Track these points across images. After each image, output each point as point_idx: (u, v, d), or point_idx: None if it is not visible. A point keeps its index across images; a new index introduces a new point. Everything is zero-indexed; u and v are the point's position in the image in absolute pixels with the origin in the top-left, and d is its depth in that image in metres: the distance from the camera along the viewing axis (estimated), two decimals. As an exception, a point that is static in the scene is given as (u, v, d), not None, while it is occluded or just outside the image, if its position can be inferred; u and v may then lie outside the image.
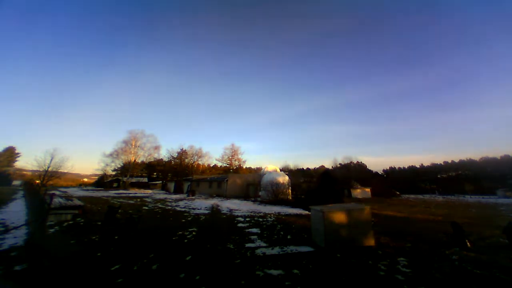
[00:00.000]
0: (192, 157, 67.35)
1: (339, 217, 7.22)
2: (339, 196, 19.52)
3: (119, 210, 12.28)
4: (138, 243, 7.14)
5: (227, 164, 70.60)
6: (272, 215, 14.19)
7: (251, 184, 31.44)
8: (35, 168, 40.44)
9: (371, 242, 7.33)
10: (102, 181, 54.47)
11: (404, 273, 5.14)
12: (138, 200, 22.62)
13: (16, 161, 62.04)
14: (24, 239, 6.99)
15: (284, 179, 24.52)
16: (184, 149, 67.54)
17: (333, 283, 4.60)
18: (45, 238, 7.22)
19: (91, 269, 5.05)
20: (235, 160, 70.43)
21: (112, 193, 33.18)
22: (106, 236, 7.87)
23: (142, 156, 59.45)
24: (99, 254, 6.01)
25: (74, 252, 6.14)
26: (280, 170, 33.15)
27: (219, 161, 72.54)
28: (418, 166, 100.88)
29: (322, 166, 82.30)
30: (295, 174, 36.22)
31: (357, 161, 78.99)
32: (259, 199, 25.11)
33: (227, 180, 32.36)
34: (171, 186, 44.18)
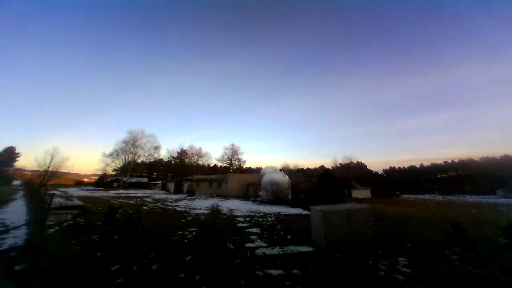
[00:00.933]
0: (192, 157, 67.41)
1: (339, 217, 7.22)
2: (339, 196, 19.52)
3: (119, 210, 12.29)
4: (138, 243, 7.15)
5: (227, 164, 70.66)
6: (272, 215, 14.19)
7: (251, 184, 31.44)
8: (35, 168, 40.50)
9: (371, 242, 7.33)
10: (102, 181, 54.45)
11: (404, 273, 5.14)
12: (138, 200, 22.63)
13: (16, 161, 62.08)
14: (24, 239, 7.00)
15: (284, 179, 24.50)
16: (184, 149, 67.60)
17: (333, 283, 4.60)
18: (45, 238, 7.21)
19: (91, 269, 5.06)
20: (235, 160, 70.52)
21: (112, 193, 33.20)
22: (106, 236, 7.88)
23: (142, 156, 59.62)
24: (99, 254, 6.02)
25: (74, 252, 6.15)
26: (280, 170, 33.15)
27: (219, 161, 72.66)
28: (418, 166, 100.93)
29: (322, 166, 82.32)
30: (295, 174, 36.21)
31: (357, 161, 78.97)
32: (259, 199, 25.10)
33: (227, 180, 32.37)
34: (171, 186, 44.18)
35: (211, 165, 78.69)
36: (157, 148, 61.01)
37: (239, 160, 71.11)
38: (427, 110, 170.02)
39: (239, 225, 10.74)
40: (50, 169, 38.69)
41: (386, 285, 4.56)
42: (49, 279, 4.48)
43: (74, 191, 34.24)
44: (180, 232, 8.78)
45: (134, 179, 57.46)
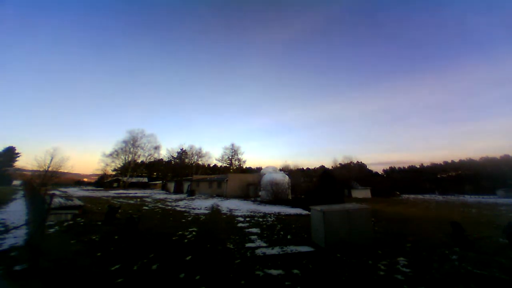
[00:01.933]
0: (192, 157, 67.43)
1: (339, 217, 7.21)
2: (339, 196, 19.52)
3: (119, 210, 12.29)
4: (138, 243, 7.15)
5: (227, 164, 70.64)
6: (272, 215, 14.19)
7: (251, 184, 31.43)
8: (35, 168, 40.52)
9: (371, 242, 7.33)
10: (102, 181, 54.44)
11: (404, 273, 5.14)
12: (138, 200, 22.62)
13: (16, 161, 62.06)
14: (24, 239, 7.00)
15: (284, 179, 24.49)
16: (184, 149, 67.65)
17: (333, 283, 4.60)
18: (45, 238, 7.22)
19: (91, 269, 5.06)
20: (235, 160, 70.49)
21: (112, 193, 33.19)
22: (106, 236, 7.88)
23: (142, 156, 59.59)
24: (99, 254, 6.02)
25: (74, 252, 6.15)
26: (280, 170, 33.15)
27: (219, 161, 72.62)
28: (418, 166, 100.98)
29: (322, 166, 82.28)
30: (295, 174, 36.18)
31: (357, 161, 78.98)
32: (259, 199, 25.09)
33: (227, 180, 32.36)
34: (171, 186, 44.16)
35: (211, 165, 78.69)
36: (157, 148, 61.04)
37: (239, 160, 71.11)
38: (427, 110, 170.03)
39: (239, 225, 10.74)
40: (50, 169, 38.70)
41: (386, 285, 4.56)
42: (49, 279, 4.48)
43: (74, 191, 34.23)
44: (180, 232, 8.78)
45: (134, 179, 57.39)
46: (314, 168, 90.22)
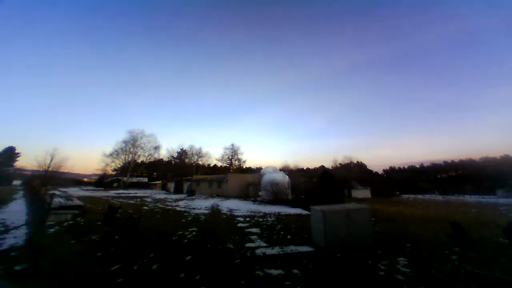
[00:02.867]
0: (192, 157, 67.43)
1: (339, 217, 7.22)
2: (339, 196, 19.52)
3: (119, 210, 12.29)
4: (138, 243, 7.15)
5: (227, 164, 70.63)
6: (272, 215, 14.20)
7: (251, 184, 31.43)
8: (35, 168, 40.56)
9: (371, 241, 7.33)
10: (102, 181, 54.49)
11: (404, 273, 5.14)
12: (138, 200, 22.63)
13: (16, 161, 62.09)
14: (24, 239, 7.00)
15: (284, 179, 24.49)
16: (184, 149, 67.64)
17: (333, 283, 4.61)
18: (45, 238, 7.23)
19: (91, 269, 5.06)
20: (235, 160, 70.48)
21: (112, 193, 33.20)
22: (106, 236, 7.88)
23: (142, 156, 59.62)
24: (99, 254, 6.02)
25: (74, 252, 6.15)
26: (280, 170, 33.15)
27: (219, 161, 72.62)
28: (418, 166, 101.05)
29: (322, 166, 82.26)
30: (295, 174, 36.20)
31: (357, 161, 78.94)
32: (259, 199, 25.09)
33: (227, 180, 32.37)
34: (171, 186, 44.18)
35: (211, 165, 78.71)
36: (157, 148, 61.07)
37: (239, 160, 71.10)
38: (427, 109, 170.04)
39: (239, 225, 10.74)
40: (50, 169, 38.72)
41: (386, 285, 4.57)
42: (49, 279, 4.48)
43: (74, 191, 34.24)
44: (180, 232, 8.78)
45: (134, 179, 57.41)
46: (314, 168, 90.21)
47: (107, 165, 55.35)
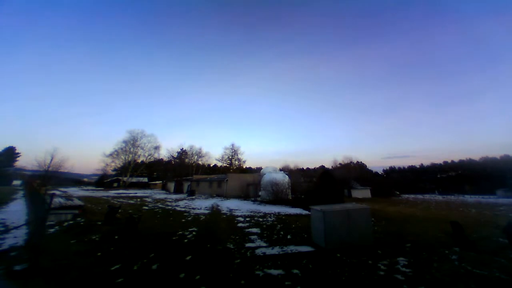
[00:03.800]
0: (192, 157, 67.36)
1: (339, 217, 7.22)
2: (339, 196, 19.51)
3: (119, 210, 12.29)
4: (138, 243, 7.15)
5: (227, 164, 70.54)
6: (272, 215, 14.20)
7: (251, 184, 31.40)
8: (35, 168, 40.54)
9: (371, 241, 7.33)
10: (102, 181, 54.40)
11: (404, 273, 5.14)
12: (138, 200, 22.62)
13: (16, 161, 62.04)
14: (24, 239, 7.00)
15: (284, 179, 24.47)
16: (184, 149, 67.56)
17: (333, 283, 4.61)
18: (45, 238, 7.23)
19: (92, 269, 5.06)
20: (235, 160, 70.39)
21: (112, 193, 33.18)
22: (106, 236, 7.88)
23: (142, 156, 59.55)
24: (99, 254, 6.02)
25: (75, 252, 6.15)
26: (280, 170, 33.13)
27: (219, 161, 72.50)
28: (418, 166, 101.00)
29: (322, 166, 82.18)
30: (295, 174, 36.15)
31: (357, 161, 78.92)
32: (259, 199, 25.08)
33: (227, 180, 32.35)
34: (171, 186, 44.13)
35: (211, 165, 78.61)
36: (157, 148, 60.99)
37: (239, 160, 71.00)
38: (428, 109, 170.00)
39: (239, 225, 10.74)
40: (50, 169, 38.71)
41: (386, 285, 4.57)
42: (49, 279, 4.48)
43: (74, 191, 34.22)
44: (180, 232, 8.78)
45: (134, 179, 57.33)
46: (314, 168, 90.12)
47: (107, 165, 55.31)
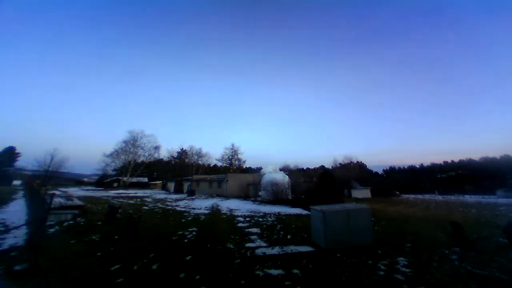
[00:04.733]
0: (192, 157, 67.34)
1: (339, 217, 7.22)
2: (339, 196, 19.52)
3: (119, 210, 12.29)
4: (138, 243, 7.15)
5: (227, 164, 70.54)
6: (272, 215, 14.20)
7: (251, 184, 31.40)
8: (35, 168, 40.51)
9: (371, 241, 7.33)
10: (102, 181, 54.37)
11: (404, 273, 5.14)
12: (138, 200, 22.61)
13: (16, 161, 62.02)
14: (24, 239, 7.00)
15: (284, 179, 24.48)
16: (184, 149, 67.56)
17: (333, 282, 4.61)
18: (45, 238, 7.23)
19: (92, 269, 5.06)
20: (235, 160, 70.38)
21: (112, 193, 33.17)
22: (106, 236, 7.88)
23: (142, 156, 59.56)
24: (99, 254, 6.02)
25: (75, 252, 6.15)
26: (280, 170, 33.12)
27: (219, 161, 72.50)
28: (418, 166, 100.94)
29: (322, 166, 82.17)
30: (295, 174, 36.15)
31: (357, 161, 78.84)
32: (259, 199, 25.08)
33: (227, 180, 32.36)
34: (171, 186, 44.13)
35: (211, 165, 78.60)
36: (157, 148, 61.01)
37: (239, 160, 71.00)
38: (428, 110, 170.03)
39: (239, 225, 10.74)
40: (50, 169, 38.70)
41: (386, 285, 4.57)
42: (49, 279, 4.48)
43: (74, 191, 34.21)
44: (180, 232, 8.78)
45: (134, 179, 57.33)
46: (314, 168, 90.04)
47: (107, 165, 55.34)
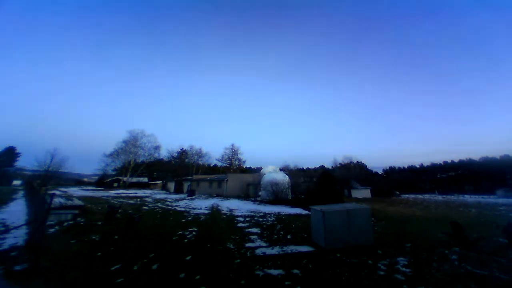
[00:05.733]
0: (192, 157, 67.33)
1: (339, 217, 7.22)
2: (339, 196, 19.51)
3: (119, 210, 12.29)
4: (138, 243, 7.15)
5: (227, 164, 70.54)
6: (272, 215, 14.20)
7: (251, 184, 31.40)
8: (35, 168, 40.52)
9: (371, 241, 7.33)
10: (102, 181, 54.36)
11: (404, 273, 5.14)
12: (138, 200, 22.61)
13: (16, 161, 62.00)
14: (24, 239, 7.00)
15: (284, 179, 24.48)
16: (184, 149, 67.52)
17: (334, 283, 4.61)
18: (45, 238, 7.22)
19: (92, 269, 5.06)
20: (235, 160, 70.39)
21: (112, 193, 33.16)
22: (106, 236, 7.88)
23: (142, 156, 59.54)
24: (99, 254, 6.02)
25: (75, 252, 6.15)
26: (280, 170, 33.12)
27: (219, 161, 72.48)
28: (418, 166, 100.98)
29: (322, 166, 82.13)
30: (295, 174, 36.16)
31: (357, 161, 78.75)
32: (259, 199, 25.07)
33: (227, 180, 32.36)
34: (171, 186, 44.11)
35: (211, 165, 78.56)
36: (157, 148, 61.02)
37: (239, 160, 71.02)
38: (428, 110, 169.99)
39: (239, 225, 10.74)
40: (50, 169, 38.69)
41: (386, 285, 4.57)
42: (49, 279, 4.48)
43: (74, 191, 34.21)
44: (180, 232, 8.78)
45: (134, 179, 57.31)
46: (314, 168, 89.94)
47: (107, 165, 55.36)
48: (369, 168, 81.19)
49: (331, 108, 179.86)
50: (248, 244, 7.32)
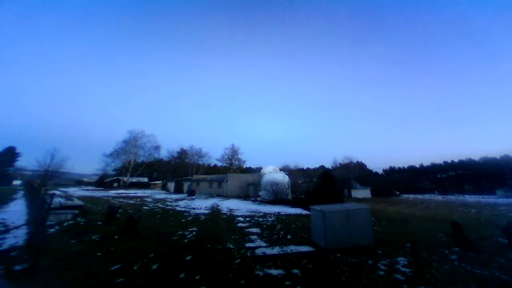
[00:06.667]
0: (192, 157, 67.30)
1: (339, 217, 7.22)
2: (339, 196, 19.51)
3: (119, 210, 12.29)
4: (138, 243, 7.15)
5: (227, 164, 70.53)
6: (272, 215, 14.20)
7: (251, 184, 31.40)
8: (35, 168, 40.49)
9: (371, 241, 7.33)
10: (102, 181, 54.35)
11: (404, 273, 5.14)
12: (138, 200, 22.61)
13: (16, 161, 61.99)
14: (24, 239, 7.00)
15: (284, 179, 24.50)
16: (184, 149, 67.51)
17: (334, 282, 4.61)
18: (46, 238, 7.22)
19: (92, 269, 5.06)
20: (235, 160, 70.38)
21: (112, 193, 33.16)
22: (106, 236, 7.88)
23: (142, 156, 59.52)
24: (99, 254, 6.02)
25: (75, 252, 6.15)
26: (280, 170, 33.14)
27: (219, 161, 72.44)
28: (418, 166, 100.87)
29: (322, 166, 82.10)
30: (295, 174, 36.18)
31: (357, 161, 78.74)
32: (259, 199, 25.08)
33: (227, 180, 32.36)
34: (171, 186, 44.10)
35: (211, 165, 78.54)
36: (157, 148, 60.97)
37: (239, 160, 70.99)
38: (428, 110, 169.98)
39: (239, 225, 10.74)
40: (50, 169, 38.68)
41: (386, 285, 4.57)
42: (49, 279, 4.48)
43: (74, 191, 34.20)
44: (180, 232, 8.78)
45: (134, 179, 57.30)
46: (314, 168, 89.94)
47: (107, 165, 55.31)
48: (369, 168, 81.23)
49: (331, 108, 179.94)
50: (248, 244, 7.33)
